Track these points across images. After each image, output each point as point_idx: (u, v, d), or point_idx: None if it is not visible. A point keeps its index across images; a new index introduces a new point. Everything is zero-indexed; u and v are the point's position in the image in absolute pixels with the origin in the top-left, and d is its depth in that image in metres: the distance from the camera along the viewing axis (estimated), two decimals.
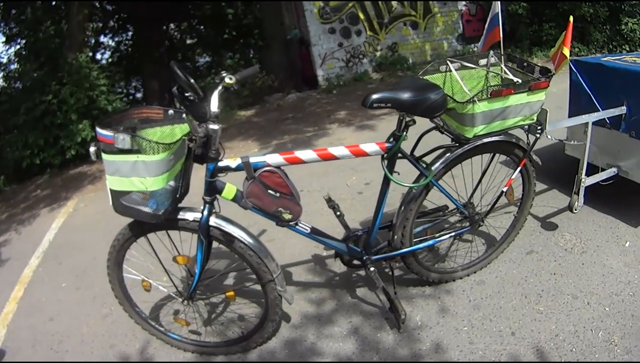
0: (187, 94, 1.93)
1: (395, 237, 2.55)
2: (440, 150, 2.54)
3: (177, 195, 2.08)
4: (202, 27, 19.05)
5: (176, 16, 17.52)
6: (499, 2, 2.91)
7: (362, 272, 3.11)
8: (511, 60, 2.74)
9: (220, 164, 2.11)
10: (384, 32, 11.10)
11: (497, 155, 2.75)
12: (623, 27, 10.14)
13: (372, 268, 2.57)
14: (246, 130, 7.66)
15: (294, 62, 11.42)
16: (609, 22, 10.33)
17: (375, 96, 2.11)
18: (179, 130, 2.13)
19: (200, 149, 2.08)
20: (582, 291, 2.76)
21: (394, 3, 11.06)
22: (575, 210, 3.20)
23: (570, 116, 3.68)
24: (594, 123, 3.14)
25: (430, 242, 2.70)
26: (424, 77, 2.56)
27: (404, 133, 2.26)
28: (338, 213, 2.50)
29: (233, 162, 2.12)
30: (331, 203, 2.50)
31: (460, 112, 2.31)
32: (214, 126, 1.98)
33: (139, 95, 16.78)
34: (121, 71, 16.53)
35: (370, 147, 2.24)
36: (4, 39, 11.68)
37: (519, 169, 2.68)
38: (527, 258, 3.13)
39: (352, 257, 2.63)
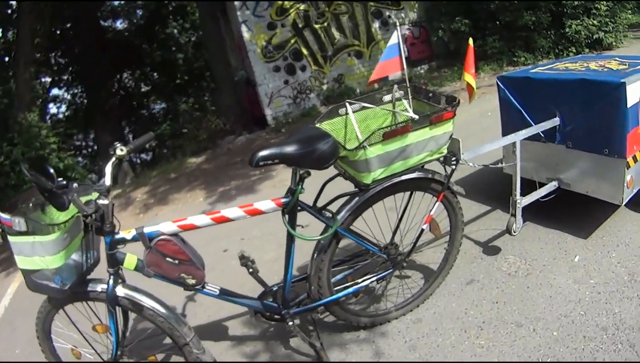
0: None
1: (312, 288, 2.48)
2: (346, 197, 2.48)
3: (84, 269, 2.11)
4: (154, 74, 19.11)
5: (128, 65, 17.62)
6: (398, 29, 2.79)
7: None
8: (417, 91, 2.72)
9: (117, 236, 2.09)
10: (328, 64, 11.17)
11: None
12: (567, 29, 10.26)
13: (290, 323, 2.49)
14: (195, 179, 7.58)
15: (243, 103, 11.40)
16: (552, 27, 10.49)
17: (261, 154, 2.07)
18: (73, 207, 2.08)
19: (97, 223, 2.07)
20: (528, 317, 2.65)
21: (337, 35, 11.15)
22: (514, 232, 3.10)
23: (504, 135, 3.58)
24: (527, 138, 3.10)
25: (351, 289, 2.62)
26: (322, 123, 2.54)
27: (300, 186, 2.22)
28: (251, 270, 2.41)
29: (128, 234, 2.10)
30: (243, 261, 2.41)
31: (353, 159, 2.26)
32: (103, 201, 1.99)
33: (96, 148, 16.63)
34: (72, 126, 16.51)
35: (266, 204, 2.21)
36: None
37: (435, 204, 2.61)
38: (467, 289, 3.01)
39: (270, 313, 2.56)
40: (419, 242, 2.74)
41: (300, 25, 10.80)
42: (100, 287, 2.14)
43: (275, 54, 10.57)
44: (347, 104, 2.61)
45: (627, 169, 2.95)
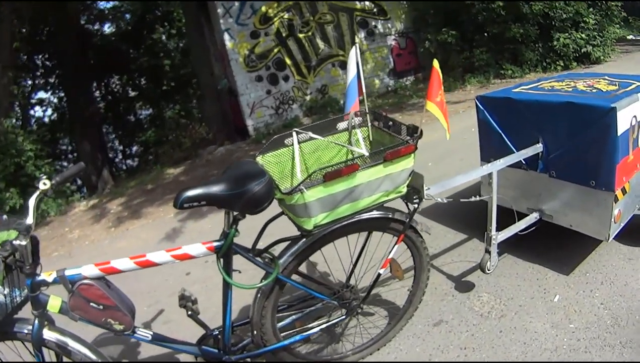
0: None
1: (255, 333, 2.26)
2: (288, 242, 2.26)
3: (9, 309, 1.93)
4: (142, 79, 18.93)
5: (115, 70, 17.47)
6: (357, 47, 2.49)
7: None
8: (377, 118, 2.48)
9: (38, 278, 1.91)
10: (312, 75, 10.95)
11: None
12: (555, 43, 10.27)
13: None
14: (170, 191, 7.34)
15: (226, 112, 11.17)
16: (540, 39, 10.46)
17: (186, 195, 1.86)
18: None
19: (20, 263, 1.89)
20: None
21: (321, 44, 10.95)
22: (488, 270, 2.85)
23: (482, 160, 3.39)
24: (508, 165, 2.87)
25: (299, 336, 2.38)
26: (266, 156, 2.32)
27: (233, 228, 2.00)
28: (190, 312, 2.18)
29: (49, 277, 1.91)
30: (182, 302, 2.18)
31: (289, 203, 2.01)
32: (21, 242, 1.80)
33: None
34: (58, 130, 16.30)
35: (196, 249, 1.99)
36: None
37: (394, 247, 2.36)
38: (434, 330, 2.75)
39: (210, 360, 2.33)
40: (377, 286, 2.51)
41: (284, 34, 10.60)
42: (26, 329, 2.01)
43: (258, 63, 10.35)
44: (294, 133, 2.37)
45: (615, 202, 2.71)
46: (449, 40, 10.67)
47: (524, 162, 3.05)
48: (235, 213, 1.98)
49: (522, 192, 3.18)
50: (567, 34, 10.23)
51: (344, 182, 1.98)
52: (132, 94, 19.35)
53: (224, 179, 1.97)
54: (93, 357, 2.07)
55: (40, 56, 15.93)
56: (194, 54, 11.76)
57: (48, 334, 2.02)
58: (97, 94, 18.21)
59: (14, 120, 8.53)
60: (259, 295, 2.20)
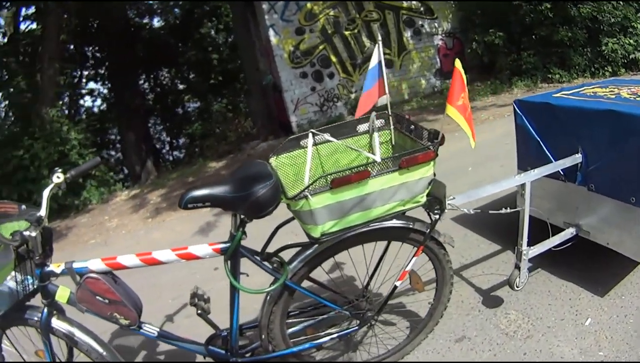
0: None
1: (263, 337, 2.20)
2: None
3: (21, 296, 2.01)
4: (190, 72, 19.20)
5: (164, 63, 17.78)
6: (379, 45, 2.30)
7: None
8: (399, 121, 2.37)
9: (47, 269, 1.96)
10: (357, 73, 10.82)
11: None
12: (604, 48, 9.88)
13: None
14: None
15: (270, 108, 11.21)
16: (589, 44, 10.09)
17: (190, 195, 1.84)
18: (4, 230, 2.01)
19: (31, 253, 1.96)
20: None
21: (367, 42, 10.83)
22: (517, 287, 2.68)
23: (519, 168, 3.21)
24: (546, 175, 2.69)
25: (308, 344, 2.30)
26: (280, 157, 2.25)
27: (240, 231, 1.96)
28: (199, 311, 2.15)
29: (58, 268, 1.96)
30: (193, 300, 2.16)
31: (294, 209, 1.94)
32: (31, 233, 1.85)
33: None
34: (107, 120, 16.72)
35: (202, 249, 1.97)
36: None
37: (413, 258, 2.23)
38: (455, 347, 2.60)
39: (217, 360, 2.30)
40: (399, 296, 2.43)
41: (329, 31, 10.54)
42: (36, 316, 2.08)
43: (303, 59, 10.34)
44: (310, 135, 2.28)
45: None
46: (496, 41, 10.36)
47: (561, 173, 2.85)
48: (242, 215, 1.94)
49: (559, 205, 2.97)
50: (615, 39, 9.84)
51: (354, 190, 1.88)
52: (180, 87, 19.71)
53: (230, 180, 1.94)
54: (99, 348, 2.11)
55: (90, 48, 16.32)
56: (241, 49, 11.81)
57: (56, 323, 2.08)
58: (146, 86, 18.68)
59: (59, 110, 8.74)
60: (267, 300, 2.15)
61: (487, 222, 3.73)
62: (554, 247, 2.81)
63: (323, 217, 1.90)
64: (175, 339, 2.22)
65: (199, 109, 19.92)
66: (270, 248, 2.21)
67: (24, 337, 2.23)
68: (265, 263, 2.10)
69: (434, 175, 2.06)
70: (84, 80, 17.30)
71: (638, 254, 2.59)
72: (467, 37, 11.36)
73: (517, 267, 2.68)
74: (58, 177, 2.00)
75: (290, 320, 2.35)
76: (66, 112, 14.40)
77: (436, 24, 11.50)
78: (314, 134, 2.28)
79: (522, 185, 2.57)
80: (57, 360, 2.18)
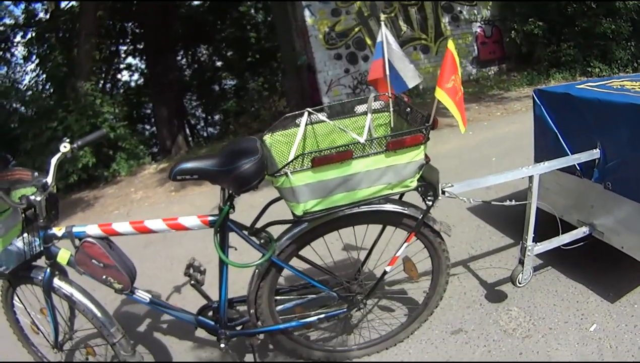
0: None
1: (251, 312, 2.23)
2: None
3: (28, 256, 2.14)
4: (228, 50, 19.28)
5: (202, 40, 17.89)
6: (383, 27, 2.36)
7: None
8: (398, 104, 2.35)
9: (49, 232, 2.08)
10: None
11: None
12: None
13: (222, 345, 2.25)
14: None
15: (304, 88, 11.17)
16: (633, 37, 9.80)
17: (179, 167, 1.92)
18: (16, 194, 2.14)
19: (38, 216, 2.09)
20: None
21: (403, 26, 10.71)
22: (519, 284, 2.59)
23: (536, 161, 3.05)
24: (561, 169, 2.59)
25: (295, 322, 2.32)
26: (274, 134, 2.27)
27: (228, 204, 2.01)
28: (193, 282, 2.22)
29: (59, 232, 2.08)
30: (188, 270, 2.24)
31: (276, 186, 1.94)
32: (36, 198, 1.98)
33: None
34: (144, 95, 16.98)
35: (190, 221, 2.04)
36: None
37: (404, 244, 2.21)
38: (450, 339, 2.53)
39: (207, 331, 2.36)
40: (398, 283, 2.41)
41: (365, 14, 10.45)
42: (40, 276, 2.21)
43: (338, 41, 10.28)
44: (306, 113, 2.28)
45: None
46: (536, 31, 10.13)
47: (578, 168, 2.74)
48: (230, 190, 1.98)
49: (573, 202, 2.85)
50: None
51: (337, 170, 1.87)
52: (218, 64, 19.87)
53: (218, 154, 1.98)
54: (95, 309, 2.20)
55: (129, 24, 16.56)
56: (278, 28, 11.84)
57: (57, 283, 2.20)
58: (183, 62, 18.82)
59: (94, 84, 8.98)
60: (255, 275, 2.17)
61: (502, 214, 3.64)
62: (564, 245, 2.70)
63: (304, 195, 1.90)
64: (166, 307, 2.29)
65: (235, 86, 20.10)
66: (261, 225, 2.24)
67: (32, 296, 2.35)
68: (253, 238, 2.15)
69: (429, 160, 2.04)
70: (122, 55, 17.66)
71: None
72: (506, 26, 11.14)
73: (521, 262, 2.59)
74: (65, 147, 2.09)
75: (280, 297, 2.38)
76: (100, 85, 14.67)
77: (475, 11, 11.31)
78: (309, 113, 2.28)
79: (530, 178, 2.44)
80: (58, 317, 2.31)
